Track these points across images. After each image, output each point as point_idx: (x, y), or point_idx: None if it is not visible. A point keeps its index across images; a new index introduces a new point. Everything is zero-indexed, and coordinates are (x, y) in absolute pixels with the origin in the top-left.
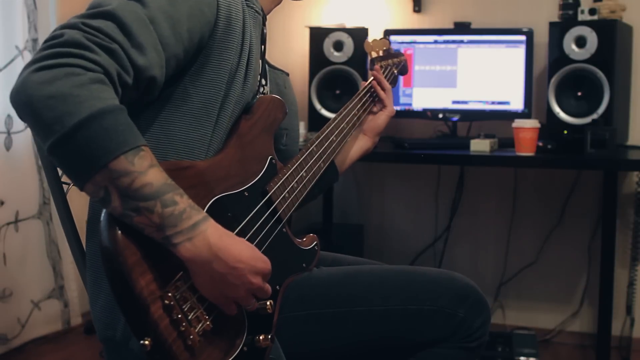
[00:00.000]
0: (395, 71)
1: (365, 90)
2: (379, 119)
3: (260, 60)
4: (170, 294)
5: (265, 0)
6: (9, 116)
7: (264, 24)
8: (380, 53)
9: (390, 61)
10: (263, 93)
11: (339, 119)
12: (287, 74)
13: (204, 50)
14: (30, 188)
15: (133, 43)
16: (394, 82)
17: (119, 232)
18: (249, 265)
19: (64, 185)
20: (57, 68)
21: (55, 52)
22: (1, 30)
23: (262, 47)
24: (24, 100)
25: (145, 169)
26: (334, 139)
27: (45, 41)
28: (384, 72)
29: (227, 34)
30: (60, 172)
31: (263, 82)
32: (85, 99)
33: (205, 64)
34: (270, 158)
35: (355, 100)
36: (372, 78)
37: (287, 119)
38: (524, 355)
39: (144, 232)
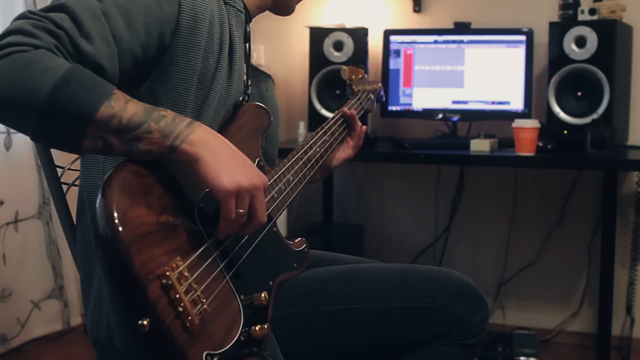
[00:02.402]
0: (372, 96)
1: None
2: (334, 161)
3: (245, 59)
4: (168, 273)
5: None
6: None
7: (247, 22)
8: (356, 79)
9: (367, 87)
10: (248, 93)
11: (320, 133)
12: (269, 76)
13: (170, 50)
14: (30, 188)
15: (81, 32)
16: (370, 106)
17: (115, 211)
18: (248, 160)
19: (63, 185)
20: (0, 59)
21: None
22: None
23: (247, 45)
24: None
25: (124, 105)
26: (318, 149)
27: None
28: (360, 97)
29: (193, 33)
30: (60, 171)
31: (249, 82)
32: (43, 73)
33: (171, 64)
34: (258, 160)
35: (338, 117)
36: (351, 104)
37: None
38: (524, 355)
39: (152, 154)
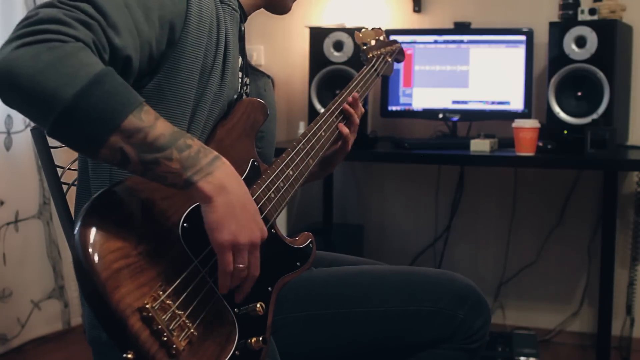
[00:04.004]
0: (389, 59)
1: (357, 81)
2: (336, 159)
3: (241, 57)
4: (148, 306)
5: None
6: (8, 116)
7: (242, 21)
8: (372, 43)
9: (383, 50)
10: (246, 92)
11: (327, 114)
12: (269, 77)
13: (178, 46)
14: (30, 188)
15: (108, 22)
16: (388, 70)
17: (90, 247)
18: (255, 211)
19: (63, 185)
20: (37, 44)
21: (33, 30)
22: (1, 31)
23: (242, 44)
24: (11, 82)
25: (154, 122)
26: (322, 134)
27: (20, 22)
28: (375, 63)
29: (199, 30)
30: (60, 171)
31: (246, 80)
32: (78, 68)
33: (179, 60)
34: (253, 160)
35: (345, 94)
36: (363, 74)
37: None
38: (524, 355)
39: (165, 181)
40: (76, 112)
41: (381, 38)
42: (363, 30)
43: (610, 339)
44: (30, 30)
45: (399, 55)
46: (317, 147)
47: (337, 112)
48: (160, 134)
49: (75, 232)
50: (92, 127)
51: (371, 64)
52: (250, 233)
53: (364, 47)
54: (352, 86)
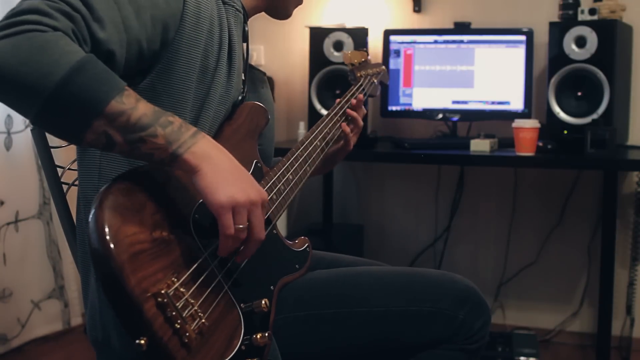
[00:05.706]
0: (375, 80)
1: (347, 98)
2: (337, 157)
3: (243, 58)
4: (163, 292)
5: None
6: (9, 116)
7: (245, 22)
8: (359, 63)
9: (370, 71)
10: (246, 92)
11: (322, 124)
12: (265, 74)
13: (172, 46)
14: (30, 188)
15: (94, 16)
16: (374, 91)
17: (107, 230)
18: (248, 176)
19: (63, 185)
20: (17, 35)
21: (13, 21)
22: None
23: (245, 45)
24: None
25: (135, 104)
26: (318, 143)
27: (5, 15)
28: (363, 83)
29: (195, 30)
30: (60, 171)
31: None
32: (59, 56)
33: (173, 60)
34: (256, 162)
35: (338, 107)
36: (352, 93)
37: None
38: (524, 355)
39: (152, 159)
40: (59, 101)
41: (367, 60)
42: (351, 51)
43: (610, 339)
44: (10, 22)
45: (384, 77)
46: (314, 155)
47: (331, 124)
48: (143, 114)
49: (91, 216)
50: (75, 114)
51: (359, 83)
52: (248, 192)
53: (352, 67)
54: (343, 102)
